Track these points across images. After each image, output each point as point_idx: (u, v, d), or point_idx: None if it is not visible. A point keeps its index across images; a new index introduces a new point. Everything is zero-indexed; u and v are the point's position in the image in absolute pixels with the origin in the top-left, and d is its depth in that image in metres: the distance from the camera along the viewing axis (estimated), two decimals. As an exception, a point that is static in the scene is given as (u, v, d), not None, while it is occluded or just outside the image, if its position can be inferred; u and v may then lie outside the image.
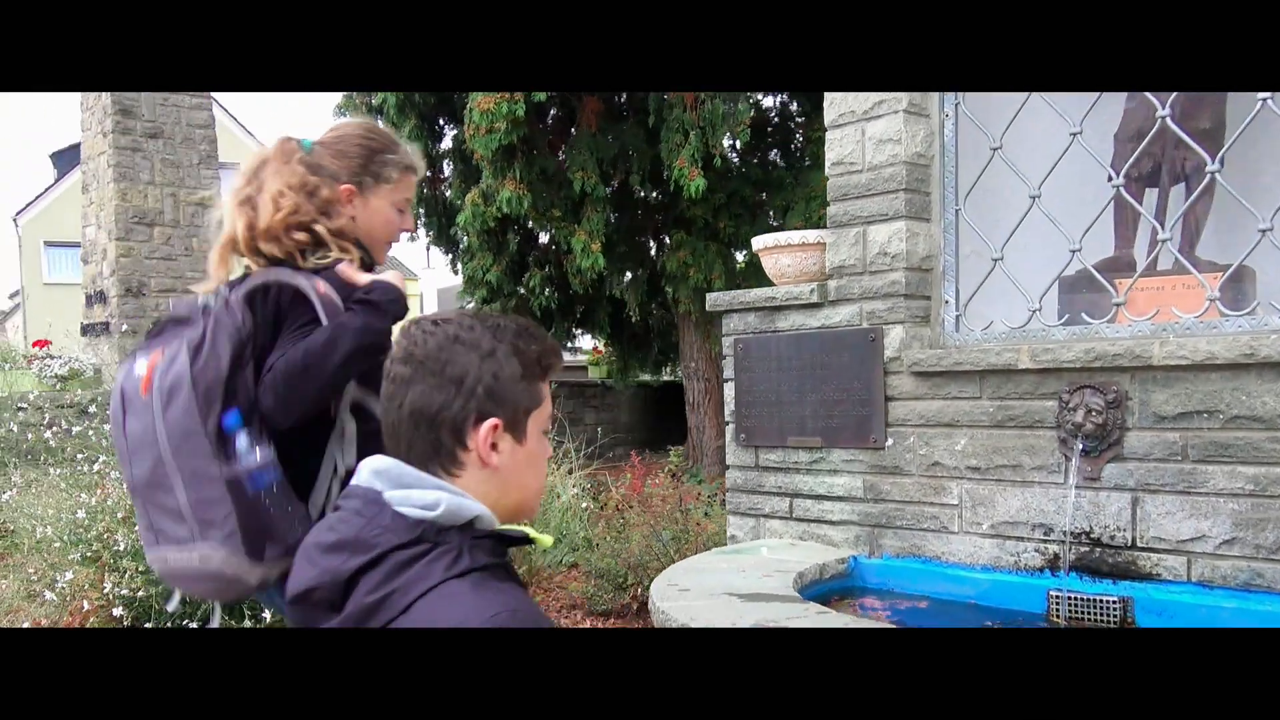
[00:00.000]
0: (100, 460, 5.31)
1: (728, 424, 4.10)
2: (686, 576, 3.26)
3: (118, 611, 4.10)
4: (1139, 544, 3.04)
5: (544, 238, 10.66)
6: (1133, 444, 3.04)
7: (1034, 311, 3.40)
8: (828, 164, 3.77)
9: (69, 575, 4.33)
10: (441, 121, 10.58)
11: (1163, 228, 3.25)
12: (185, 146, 12.26)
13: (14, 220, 27.59)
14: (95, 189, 12.11)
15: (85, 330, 12.12)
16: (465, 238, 10.60)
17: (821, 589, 3.45)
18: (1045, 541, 3.23)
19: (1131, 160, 3.36)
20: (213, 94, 27.39)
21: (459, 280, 11.41)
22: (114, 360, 11.52)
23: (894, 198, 3.56)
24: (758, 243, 4.00)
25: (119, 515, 4.49)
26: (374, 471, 1.37)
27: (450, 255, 11.60)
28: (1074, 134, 3.32)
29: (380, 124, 2.13)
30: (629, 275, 10.70)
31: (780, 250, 3.92)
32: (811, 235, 3.85)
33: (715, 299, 4.12)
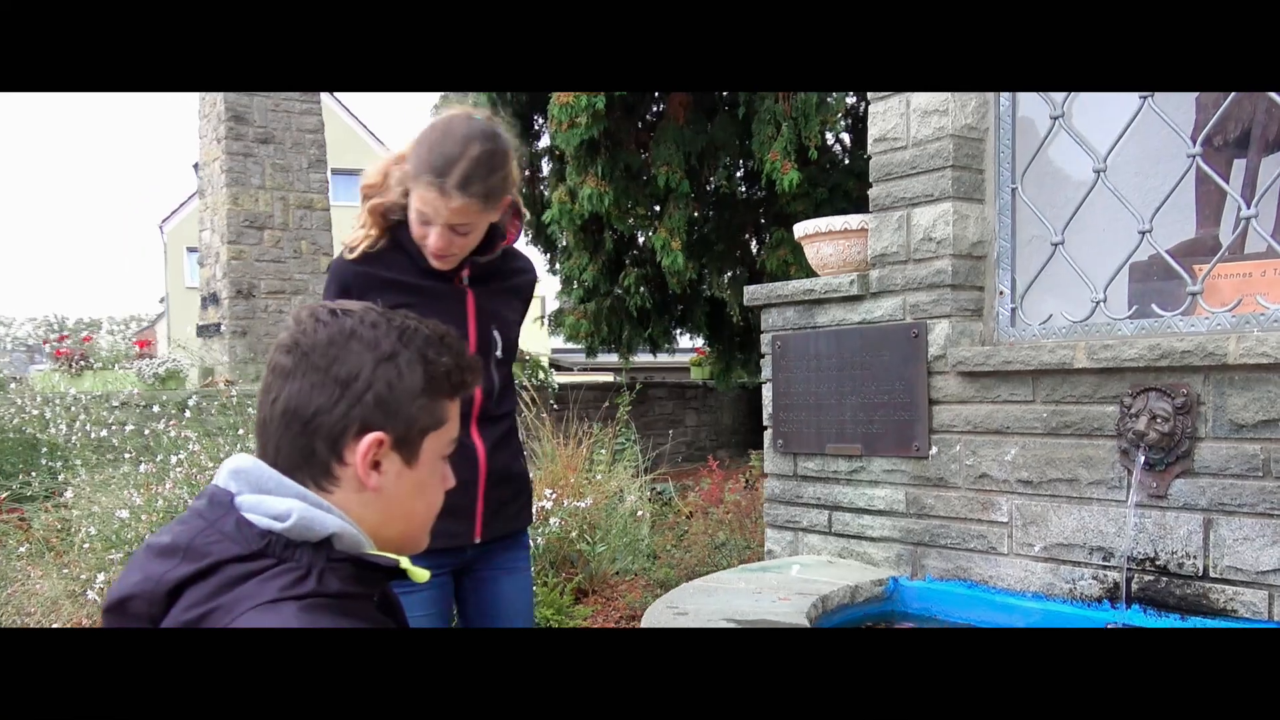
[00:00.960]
0: (158, 459, 5.31)
1: (765, 429, 3.76)
2: (693, 598, 2.95)
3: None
4: (1211, 574, 2.58)
5: (642, 237, 10.48)
6: (1205, 457, 2.58)
7: (1098, 303, 2.97)
8: (870, 140, 3.40)
9: (100, 577, 4.29)
10: (537, 119, 10.48)
11: (1249, 204, 2.78)
12: (295, 151, 12.51)
13: (160, 228, 29.02)
14: (210, 194, 12.48)
15: (200, 331, 12.51)
16: (563, 237, 10.50)
17: (852, 615, 3.09)
18: (1104, 568, 2.79)
19: (1214, 125, 2.89)
20: (336, 96, 28.24)
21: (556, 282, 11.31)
22: (225, 360, 11.84)
23: (940, 176, 3.17)
24: (799, 230, 3.65)
25: (160, 515, 4.45)
26: (232, 471, 1.17)
27: (549, 255, 11.51)
28: (1145, 97, 2.87)
29: (464, 120, 1.89)
30: (728, 274, 10.38)
31: (821, 238, 3.57)
32: (854, 220, 3.49)
33: (753, 293, 3.78)
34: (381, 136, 29.87)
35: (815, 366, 3.54)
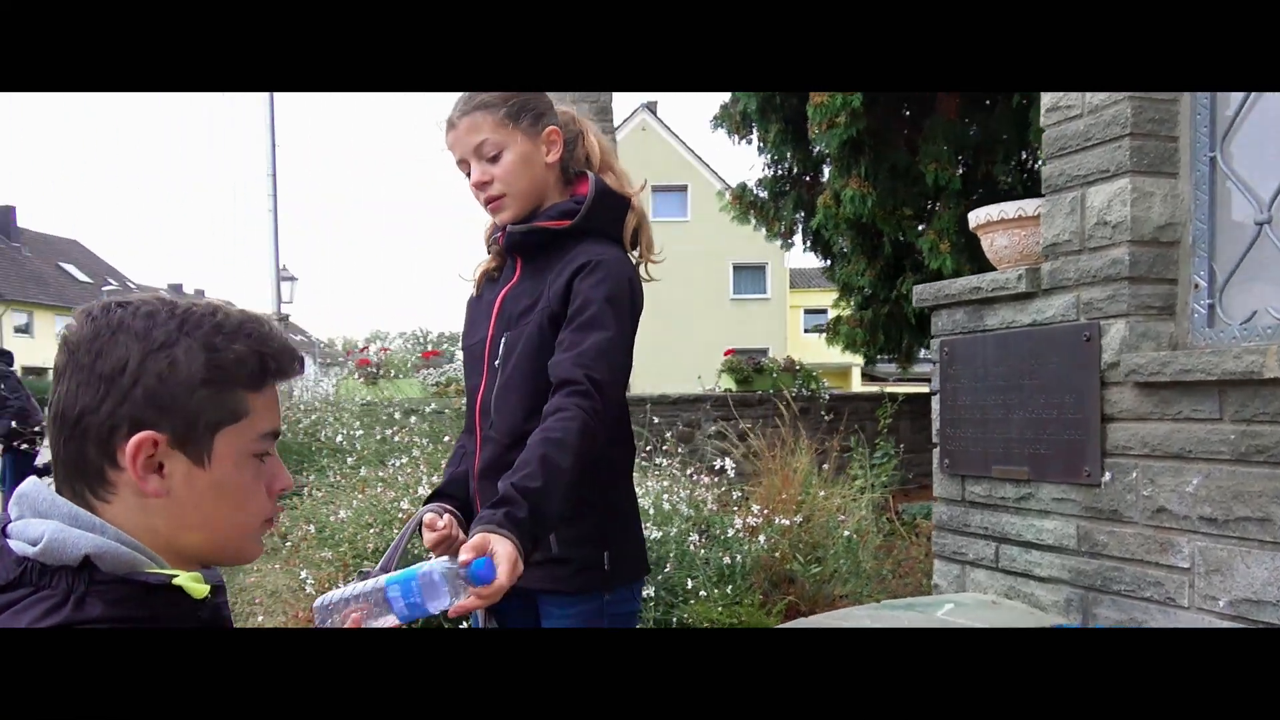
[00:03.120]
0: (393, 463, 5.59)
1: (934, 446, 3.32)
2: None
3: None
4: None
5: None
6: None
7: (1313, 296, 2.33)
8: (1043, 110, 2.91)
9: (303, 574, 4.57)
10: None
11: None
12: (589, 168, 12.95)
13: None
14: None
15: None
16: (840, 241, 10.15)
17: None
18: (1303, 636, 2.17)
19: None
20: (658, 116, 29.15)
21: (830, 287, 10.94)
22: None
23: (1115, 147, 2.64)
24: (972, 219, 3.20)
25: (373, 518, 4.66)
26: (17, 494, 1.12)
27: (828, 262, 11.16)
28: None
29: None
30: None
31: (994, 227, 3.10)
32: (1030, 205, 3.00)
33: (921, 292, 3.36)
34: (701, 153, 30.60)
35: (982, 376, 3.08)
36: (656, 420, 8.21)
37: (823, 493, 5.63)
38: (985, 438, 3.05)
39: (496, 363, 1.84)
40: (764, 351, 25.65)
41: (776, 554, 5.02)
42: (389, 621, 1.39)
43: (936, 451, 3.29)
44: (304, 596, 4.72)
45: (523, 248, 1.84)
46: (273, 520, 1.21)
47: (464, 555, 1.44)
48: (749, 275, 29.81)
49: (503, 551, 1.45)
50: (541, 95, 1.86)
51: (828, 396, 9.76)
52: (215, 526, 1.14)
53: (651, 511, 4.86)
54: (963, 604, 2.97)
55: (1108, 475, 2.66)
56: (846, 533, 5.16)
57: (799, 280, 30.89)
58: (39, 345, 36.23)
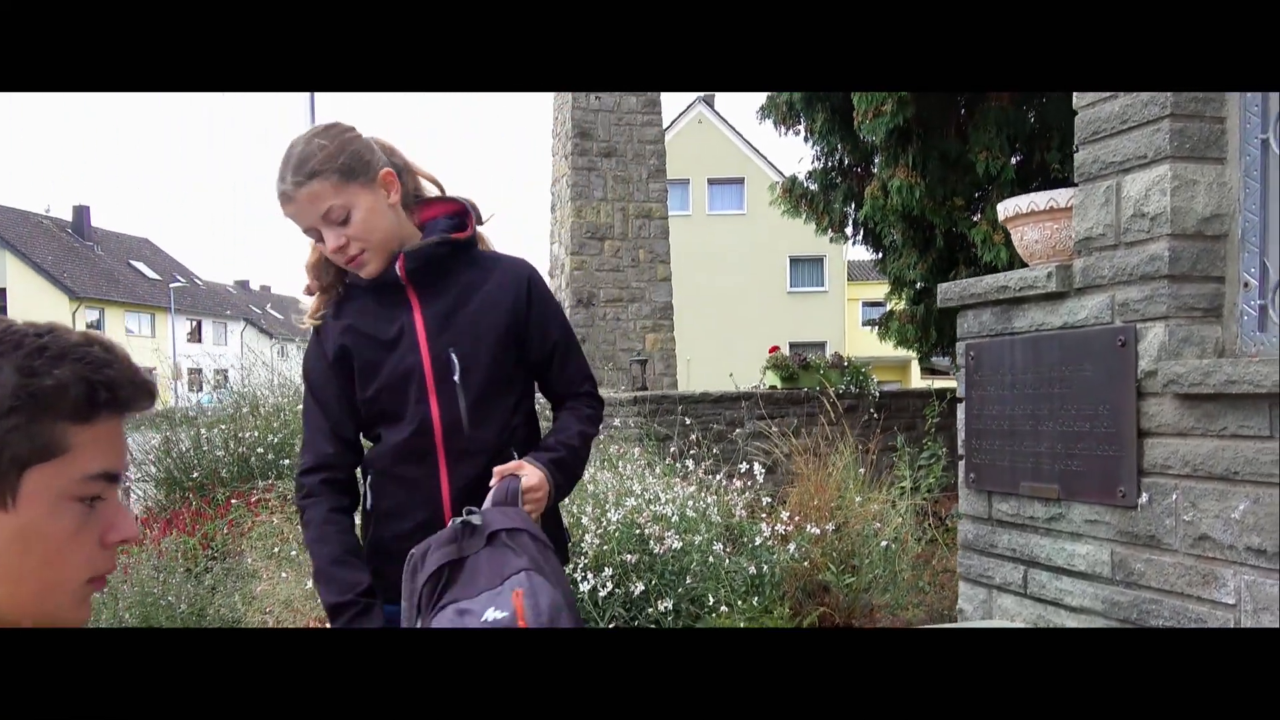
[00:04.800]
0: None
1: (960, 458, 3.06)
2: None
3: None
4: None
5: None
6: None
7: (1380, 297, 2.04)
8: (1075, 92, 2.63)
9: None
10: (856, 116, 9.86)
11: None
12: (635, 162, 12.77)
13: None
14: (558, 209, 13.09)
15: (549, 338, 13.15)
16: (890, 234, 9.82)
17: None
18: (1366, 689, 1.88)
19: None
20: (715, 109, 28.84)
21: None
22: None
23: (1154, 130, 2.36)
24: (1001, 210, 2.93)
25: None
26: None
27: (880, 255, 10.82)
28: None
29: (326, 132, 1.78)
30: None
31: (1024, 220, 2.83)
32: (1062, 196, 2.72)
33: (945, 291, 3.10)
34: (758, 146, 30.24)
35: (1010, 383, 2.81)
36: (689, 421, 7.97)
37: (859, 498, 5.36)
38: (1014, 451, 2.79)
39: (455, 377, 1.83)
40: (821, 346, 25.28)
41: (806, 563, 4.77)
42: None
43: (962, 465, 3.03)
44: (316, 605, 4.59)
45: (424, 272, 1.86)
46: (102, 579, 1.03)
47: (497, 475, 1.77)
48: (807, 268, 29.38)
49: (531, 469, 1.79)
50: (362, 140, 1.86)
51: (877, 394, 9.44)
52: (19, 580, 0.96)
53: (675, 519, 4.64)
54: (987, 634, 2.70)
55: (1144, 497, 2.38)
56: (883, 542, 4.89)
57: (858, 272, 30.39)
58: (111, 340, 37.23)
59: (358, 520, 1.97)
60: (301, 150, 1.76)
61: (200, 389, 13.60)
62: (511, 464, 1.79)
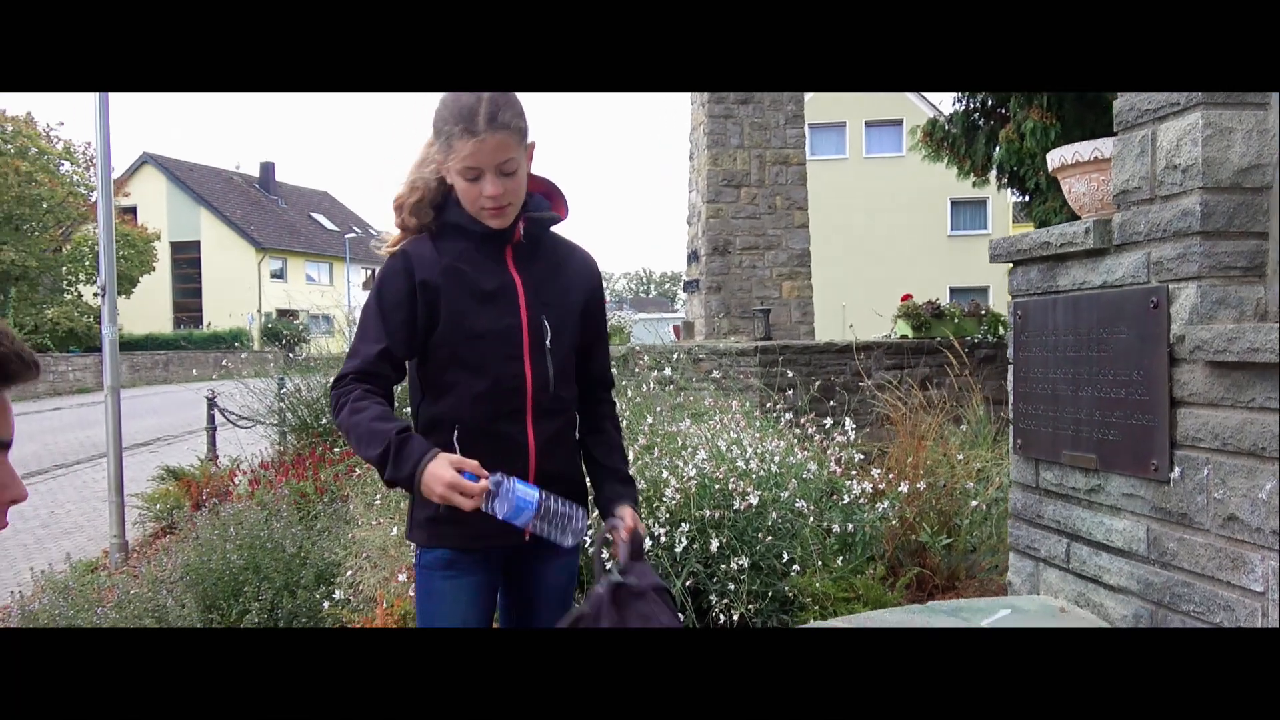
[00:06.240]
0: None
1: (1009, 423, 2.91)
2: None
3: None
4: None
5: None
6: None
7: None
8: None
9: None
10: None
11: None
12: (773, 108, 12.52)
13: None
14: (696, 157, 12.99)
15: (685, 287, 13.14)
16: (1034, 178, 9.33)
17: None
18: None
19: None
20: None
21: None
22: (701, 315, 12.33)
23: (1190, 72, 2.15)
24: (1050, 160, 2.75)
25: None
26: None
27: (1026, 199, 10.32)
28: None
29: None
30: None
31: (1071, 171, 2.65)
32: (1107, 146, 2.53)
33: (995, 246, 2.93)
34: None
35: (1052, 345, 2.65)
36: (807, 372, 7.84)
37: (961, 455, 5.17)
38: (1056, 417, 2.63)
39: (548, 343, 2.04)
40: (984, 291, 24.26)
41: (895, 523, 4.64)
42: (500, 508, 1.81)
43: (1011, 430, 2.88)
44: (408, 552, 4.78)
45: (532, 238, 2.06)
46: None
47: (626, 529, 2.01)
48: (968, 211, 28.20)
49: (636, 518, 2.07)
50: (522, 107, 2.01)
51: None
52: None
53: (760, 474, 4.58)
54: (1023, 611, 2.59)
55: (1177, 471, 2.21)
56: (974, 501, 4.71)
57: (1024, 214, 28.98)
58: (292, 288, 39.56)
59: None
60: (492, 101, 1.91)
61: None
62: (629, 516, 2.05)
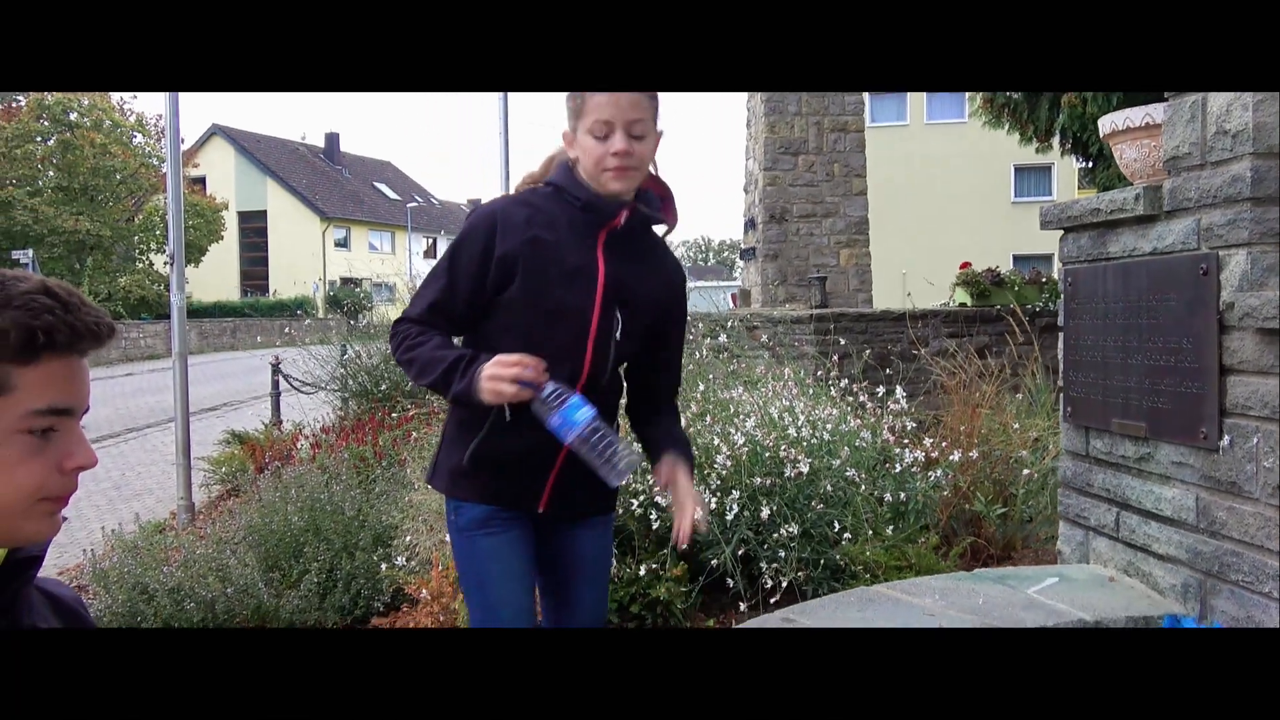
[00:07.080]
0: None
1: (1059, 390, 2.90)
2: (832, 612, 2.39)
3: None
4: None
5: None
6: None
7: None
8: None
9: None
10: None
11: None
12: (831, 72, 12.36)
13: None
14: (753, 124, 12.90)
15: (743, 255, 13.10)
16: (1098, 143, 9.13)
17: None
18: None
19: None
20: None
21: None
22: (758, 283, 12.30)
23: (1245, 34, 2.11)
24: (1101, 126, 2.72)
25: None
26: None
27: (1090, 165, 10.10)
28: None
29: None
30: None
31: (1122, 137, 2.62)
32: (1159, 111, 2.49)
33: (1046, 212, 2.92)
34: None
35: (1103, 312, 2.63)
36: (861, 340, 7.80)
37: (1016, 425, 5.13)
38: (1106, 384, 2.62)
39: (617, 335, 2.01)
40: (1048, 259, 23.78)
41: (946, 492, 4.63)
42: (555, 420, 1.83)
43: (1061, 398, 2.87)
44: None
45: (633, 228, 2.03)
46: (60, 500, 1.18)
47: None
48: (1032, 177, 27.60)
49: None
50: None
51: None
52: None
53: (811, 442, 4.60)
54: (1071, 579, 2.59)
55: (1226, 439, 2.20)
56: (1025, 470, 4.68)
57: (1088, 181, 28.28)
58: (355, 257, 40.19)
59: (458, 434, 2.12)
60: None
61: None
62: (690, 500, 2.05)
